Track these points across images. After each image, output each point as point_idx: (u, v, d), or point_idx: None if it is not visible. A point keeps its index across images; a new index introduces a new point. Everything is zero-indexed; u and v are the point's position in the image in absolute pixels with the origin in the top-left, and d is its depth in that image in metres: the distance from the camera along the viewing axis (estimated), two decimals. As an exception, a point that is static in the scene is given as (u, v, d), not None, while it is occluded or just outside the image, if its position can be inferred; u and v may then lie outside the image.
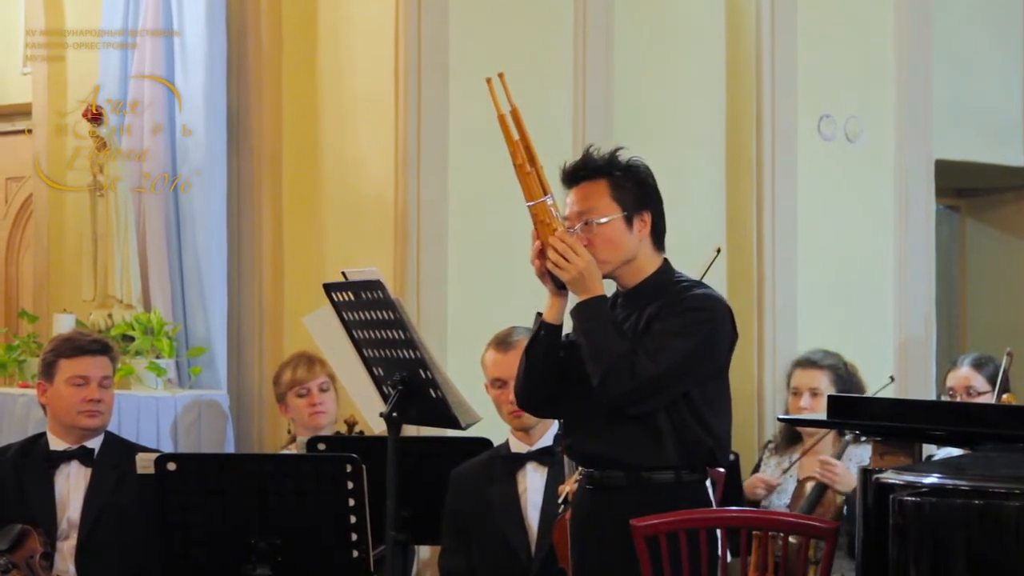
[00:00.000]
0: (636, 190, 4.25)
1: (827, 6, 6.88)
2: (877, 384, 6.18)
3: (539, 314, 4.25)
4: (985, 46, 8.02)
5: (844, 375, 5.86)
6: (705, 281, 5.25)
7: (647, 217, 4.25)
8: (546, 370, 4.24)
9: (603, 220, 4.20)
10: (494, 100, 4.20)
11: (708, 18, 6.71)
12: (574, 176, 4.27)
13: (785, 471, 5.71)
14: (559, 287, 4.20)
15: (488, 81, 4.21)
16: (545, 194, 4.16)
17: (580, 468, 4.33)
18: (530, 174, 4.16)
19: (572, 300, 4.24)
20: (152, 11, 6.41)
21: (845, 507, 5.43)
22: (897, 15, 7.00)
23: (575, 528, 4.35)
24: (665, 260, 4.31)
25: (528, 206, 4.18)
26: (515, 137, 4.19)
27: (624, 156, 4.28)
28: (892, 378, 6.05)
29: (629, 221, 4.22)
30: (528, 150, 4.18)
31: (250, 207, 6.49)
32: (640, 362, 4.09)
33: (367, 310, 4.61)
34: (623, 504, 4.17)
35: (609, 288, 4.28)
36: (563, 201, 4.28)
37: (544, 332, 4.23)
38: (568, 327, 4.26)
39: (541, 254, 4.18)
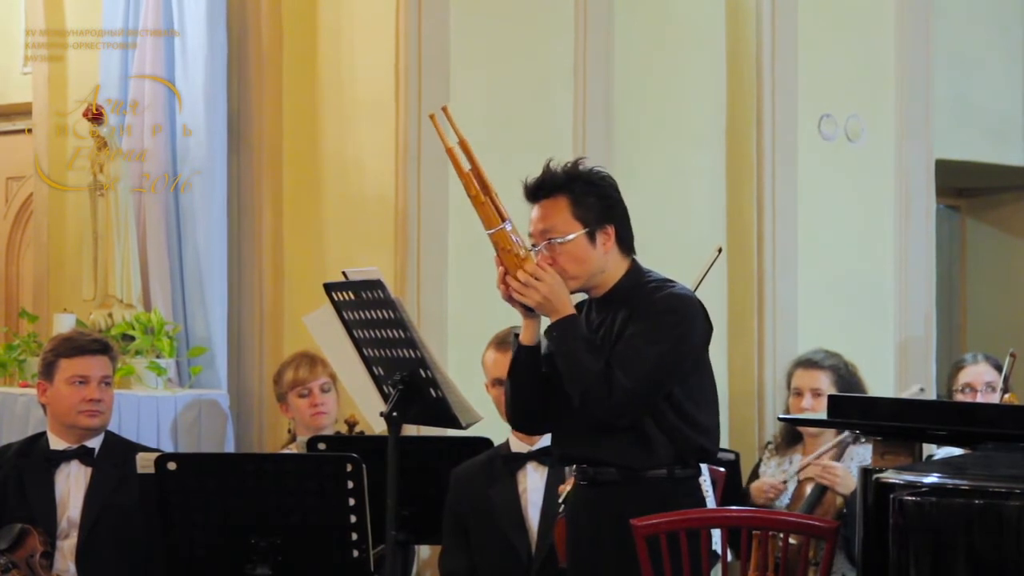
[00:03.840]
0: (598, 204, 4.23)
1: (827, 6, 6.88)
2: (876, 383, 6.19)
3: (516, 336, 4.28)
4: (986, 45, 8.02)
5: (845, 375, 5.86)
6: (705, 281, 5.27)
7: (610, 230, 4.24)
8: (531, 390, 4.26)
9: (565, 239, 4.20)
10: (440, 134, 4.21)
11: (708, 18, 6.71)
12: (535, 194, 4.26)
13: (796, 474, 5.70)
14: (529, 309, 4.21)
15: (432, 117, 4.23)
16: (503, 220, 4.16)
17: (575, 466, 4.33)
18: (485, 203, 4.16)
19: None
20: (152, 11, 6.41)
21: (845, 508, 5.43)
22: (897, 15, 7.00)
23: (570, 523, 4.36)
24: (633, 261, 4.30)
25: (488, 234, 4.18)
26: (466, 168, 4.18)
27: (585, 167, 4.27)
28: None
29: (592, 236, 4.22)
30: (480, 179, 4.17)
31: (250, 207, 6.49)
32: (616, 377, 4.10)
33: (367, 309, 4.61)
34: (617, 499, 4.19)
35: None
36: (527, 218, 4.27)
37: (523, 355, 4.25)
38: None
39: (506, 279, 4.19)
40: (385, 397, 4.65)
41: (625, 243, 4.28)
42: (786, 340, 6.64)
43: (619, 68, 6.37)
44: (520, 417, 4.38)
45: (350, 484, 4.55)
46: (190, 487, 4.63)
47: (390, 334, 4.57)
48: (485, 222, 4.18)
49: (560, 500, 4.74)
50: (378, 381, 4.72)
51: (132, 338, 6.17)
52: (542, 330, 4.25)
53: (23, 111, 7.40)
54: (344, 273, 4.67)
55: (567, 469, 4.79)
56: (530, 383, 4.26)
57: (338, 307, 4.70)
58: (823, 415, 4.71)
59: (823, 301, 6.79)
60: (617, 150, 6.20)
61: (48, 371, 5.48)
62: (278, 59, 6.44)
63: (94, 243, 6.30)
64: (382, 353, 4.65)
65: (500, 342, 5.26)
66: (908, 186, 7.01)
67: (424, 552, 5.89)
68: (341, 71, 6.22)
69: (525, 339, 4.25)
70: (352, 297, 4.62)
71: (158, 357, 6.16)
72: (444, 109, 4.23)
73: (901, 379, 6.92)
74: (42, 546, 5.27)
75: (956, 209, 8.93)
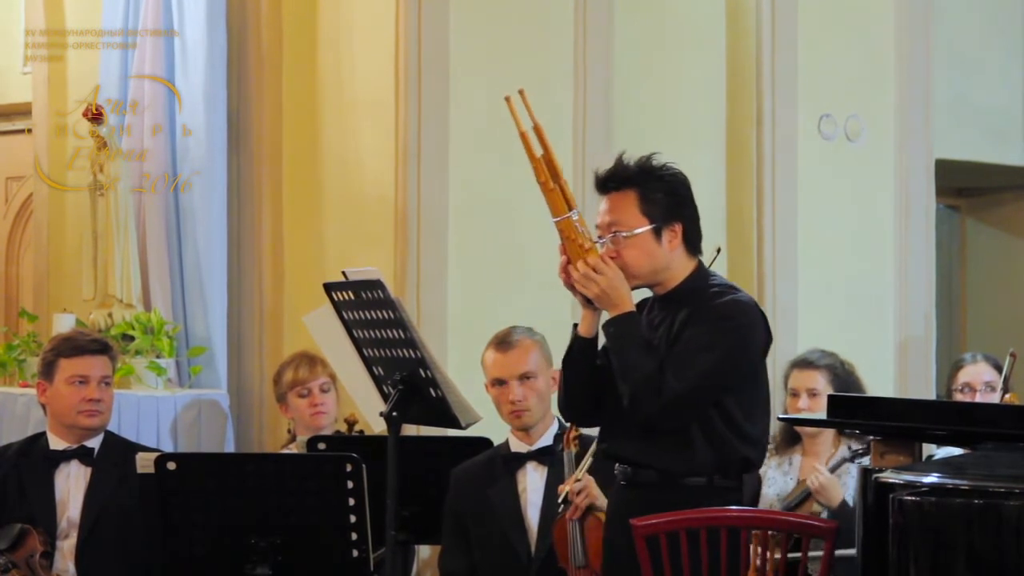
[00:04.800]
0: (666, 201, 4.21)
1: (827, 6, 6.88)
2: (876, 383, 6.17)
3: (575, 326, 4.25)
4: (986, 45, 8.03)
5: (842, 374, 5.83)
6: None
7: (677, 228, 4.22)
8: (585, 382, 4.24)
9: (631, 233, 4.18)
10: (515, 118, 4.16)
11: (708, 18, 6.71)
12: (604, 186, 4.24)
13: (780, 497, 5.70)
14: (589, 300, 4.18)
15: (508, 99, 4.17)
16: (570, 209, 4.14)
17: (617, 466, 4.31)
18: (554, 190, 4.13)
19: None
20: (152, 11, 6.41)
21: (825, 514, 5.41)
22: (897, 15, 7.00)
23: (609, 524, 4.35)
24: (699, 263, 4.28)
25: (554, 222, 4.16)
26: (538, 154, 4.15)
27: (658, 162, 4.24)
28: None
29: (658, 233, 4.20)
30: (551, 166, 4.14)
31: (250, 207, 6.49)
32: (667, 381, 4.08)
33: (367, 309, 4.61)
34: (655, 502, 4.16)
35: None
36: (595, 210, 4.26)
37: (578, 346, 4.22)
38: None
39: (568, 268, 4.17)
40: (385, 397, 4.65)
41: (692, 243, 4.26)
42: (786, 340, 6.63)
43: (619, 68, 6.37)
44: (571, 408, 4.34)
45: (350, 484, 4.55)
46: (190, 487, 4.63)
47: (390, 334, 4.57)
48: (552, 209, 4.15)
49: (560, 500, 4.74)
50: (378, 381, 4.72)
51: (132, 338, 6.17)
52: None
53: (23, 111, 7.40)
54: (344, 273, 4.67)
55: (567, 468, 4.79)
56: (584, 375, 4.22)
57: (338, 307, 4.70)
58: (822, 415, 4.70)
59: (823, 301, 6.79)
60: (617, 150, 6.14)
61: (48, 371, 5.48)
62: (278, 59, 6.43)
63: (94, 243, 6.30)
64: (382, 353, 4.65)
65: (500, 342, 5.26)
66: (908, 186, 7.01)
67: (424, 552, 5.89)
68: (341, 71, 6.22)
69: (583, 330, 4.22)
70: (352, 297, 4.63)
71: (158, 357, 6.16)
72: (521, 92, 4.19)
73: (901, 379, 6.92)
74: (42, 546, 5.27)
75: (956, 209, 8.93)
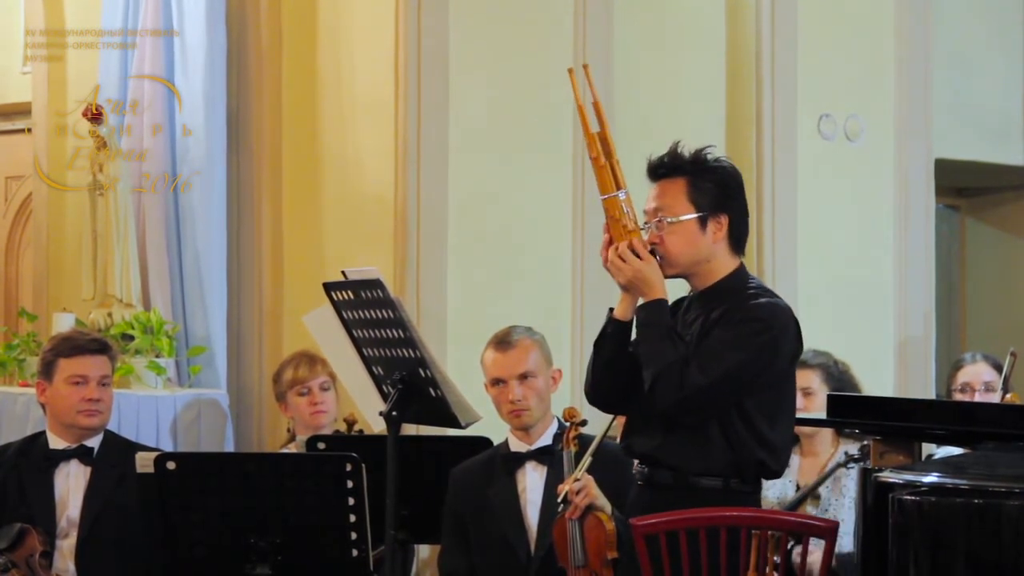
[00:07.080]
0: (715, 191, 4.20)
1: (827, 6, 6.89)
2: (876, 383, 6.17)
3: (611, 309, 4.24)
4: (985, 45, 8.03)
5: (835, 373, 5.81)
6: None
7: (723, 220, 4.20)
8: (613, 366, 4.21)
9: (676, 220, 4.17)
10: (575, 90, 4.19)
11: (708, 17, 6.71)
12: (656, 172, 4.24)
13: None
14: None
15: (570, 71, 4.21)
16: (618, 188, 4.13)
17: (636, 464, 4.30)
18: (604, 167, 4.14)
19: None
20: (152, 11, 6.41)
21: None
22: (897, 15, 7.01)
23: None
24: (741, 264, 4.27)
25: (601, 199, 4.16)
26: (593, 130, 4.16)
27: (712, 154, 4.24)
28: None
29: (703, 222, 4.18)
30: (605, 143, 4.14)
31: (250, 207, 6.50)
32: (690, 373, 4.06)
33: (367, 309, 4.61)
34: (670, 504, 4.15)
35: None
36: (643, 198, 4.26)
37: (611, 329, 4.20)
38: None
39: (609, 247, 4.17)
40: (384, 396, 4.65)
41: (737, 239, 4.24)
42: (786, 340, 6.62)
43: (619, 68, 6.37)
44: (594, 391, 4.30)
45: (349, 484, 4.55)
46: (189, 487, 4.62)
47: (389, 333, 4.57)
48: (600, 187, 4.15)
49: (559, 499, 4.74)
50: (377, 380, 4.72)
51: (131, 337, 6.17)
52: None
53: (23, 111, 7.40)
54: (344, 273, 4.67)
55: (567, 468, 4.79)
56: (613, 358, 4.20)
57: (338, 307, 4.70)
58: (821, 415, 4.70)
59: (823, 301, 6.78)
60: (616, 150, 6.19)
61: (47, 371, 5.48)
62: (278, 59, 6.44)
63: (93, 243, 6.30)
64: (381, 352, 4.65)
65: (499, 342, 5.25)
66: (907, 186, 7.01)
67: (424, 552, 5.89)
68: (341, 71, 6.22)
69: (618, 313, 4.20)
70: (352, 296, 4.63)
71: (157, 356, 6.16)
72: (585, 67, 4.21)
73: (901, 379, 6.92)
74: (41, 546, 5.27)
75: (956, 209, 8.93)
